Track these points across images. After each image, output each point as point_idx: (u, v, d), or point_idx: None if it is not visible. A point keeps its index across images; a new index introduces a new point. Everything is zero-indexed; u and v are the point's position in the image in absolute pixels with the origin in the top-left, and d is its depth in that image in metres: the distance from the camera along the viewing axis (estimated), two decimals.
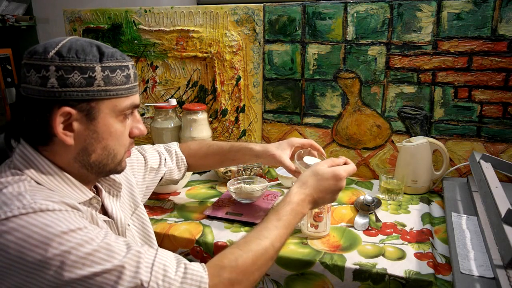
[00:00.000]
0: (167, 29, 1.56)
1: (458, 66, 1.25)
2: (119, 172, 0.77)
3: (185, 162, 1.12)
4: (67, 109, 0.65)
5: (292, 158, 1.04)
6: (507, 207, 0.80)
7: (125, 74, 0.70)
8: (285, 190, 1.30)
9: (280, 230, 0.75)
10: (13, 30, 2.21)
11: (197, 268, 0.65)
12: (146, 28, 1.58)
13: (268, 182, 1.30)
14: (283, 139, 1.12)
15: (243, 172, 1.36)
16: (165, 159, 1.07)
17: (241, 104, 1.53)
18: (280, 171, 1.36)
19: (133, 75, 0.72)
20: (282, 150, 1.03)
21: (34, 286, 0.57)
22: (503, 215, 0.80)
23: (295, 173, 1.03)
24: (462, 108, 1.27)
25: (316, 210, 0.97)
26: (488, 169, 1.06)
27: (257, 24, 1.44)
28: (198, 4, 2.04)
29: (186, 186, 1.34)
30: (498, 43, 1.19)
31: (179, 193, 1.30)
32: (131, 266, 0.60)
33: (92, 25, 1.65)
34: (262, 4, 1.42)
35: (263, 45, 1.45)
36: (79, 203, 0.69)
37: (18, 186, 0.64)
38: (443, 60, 1.26)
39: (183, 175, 1.14)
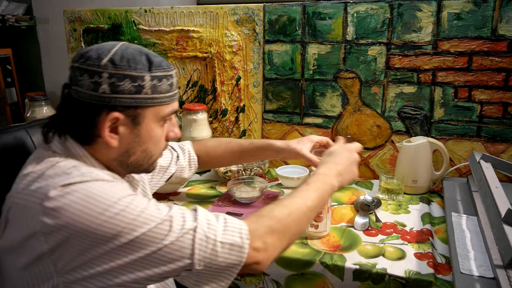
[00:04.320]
0: (167, 29, 1.56)
1: (458, 66, 1.25)
2: (150, 171, 0.82)
3: (196, 163, 1.14)
4: (116, 114, 0.69)
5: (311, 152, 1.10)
6: (507, 207, 0.80)
7: (169, 82, 0.74)
8: (285, 190, 1.30)
9: (309, 192, 0.79)
10: (13, 30, 2.21)
11: (236, 219, 0.69)
12: (146, 28, 1.58)
13: (268, 182, 1.30)
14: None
15: (243, 172, 1.36)
16: (177, 156, 1.10)
17: (241, 104, 1.53)
18: (280, 171, 1.36)
19: (175, 83, 0.76)
20: (303, 144, 1.09)
21: (95, 248, 0.60)
22: (503, 215, 0.80)
23: (316, 164, 1.07)
24: (462, 108, 1.27)
25: None
26: (488, 169, 1.06)
27: (257, 24, 1.44)
28: (198, 4, 2.04)
29: (186, 186, 1.34)
30: (498, 43, 1.19)
31: (179, 193, 1.30)
32: (178, 217, 0.65)
33: (92, 25, 1.65)
34: (262, 4, 1.42)
35: (263, 45, 1.45)
36: None
37: (70, 161, 0.69)
38: (443, 60, 1.26)
39: (192, 174, 1.16)
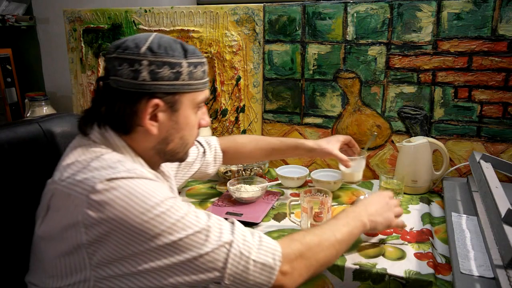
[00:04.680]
0: (167, 29, 1.56)
1: (458, 66, 1.25)
2: (184, 160, 0.84)
3: (221, 159, 1.16)
4: (156, 101, 0.71)
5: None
6: (507, 207, 0.80)
7: (203, 69, 0.76)
8: (285, 190, 1.30)
9: (339, 226, 0.80)
10: (13, 30, 2.21)
11: (271, 239, 0.71)
12: (146, 28, 1.58)
13: (268, 182, 1.30)
14: None
15: (243, 172, 1.36)
16: (203, 152, 1.12)
17: (241, 104, 1.53)
18: (280, 171, 1.36)
19: (207, 70, 0.79)
20: (332, 144, 1.15)
21: (132, 245, 0.61)
22: (503, 215, 0.80)
23: (347, 162, 1.15)
24: (462, 108, 1.27)
25: (316, 210, 0.97)
26: (488, 169, 1.06)
27: (257, 24, 1.44)
28: (198, 4, 2.04)
29: (186, 186, 1.34)
30: (498, 43, 1.19)
31: (179, 192, 1.30)
32: (215, 228, 0.66)
33: (92, 25, 1.65)
34: (262, 4, 1.42)
35: (263, 45, 1.45)
36: None
37: (113, 155, 0.70)
38: (443, 60, 1.26)
39: (216, 170, 1.18)
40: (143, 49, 0.70)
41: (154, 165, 0.80)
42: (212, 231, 0.65)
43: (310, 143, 1.15)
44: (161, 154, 0.78)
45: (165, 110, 0.73)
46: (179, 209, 0.65)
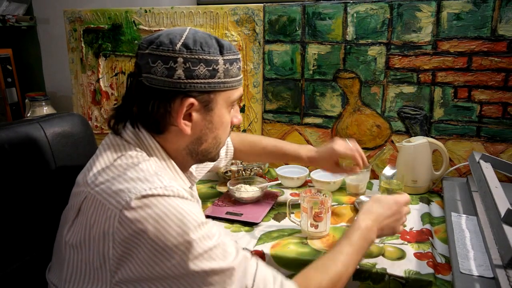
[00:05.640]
0: None
1: (458, 66, 1.25)
2: (215, 160, 0.81)
3: (232, 154, 1.15)
4: (191, 100, 0.68)
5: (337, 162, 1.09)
6: (507, 207, 0.81)
7: (238, 66, 0.74)
8: (285, 190, 1.31)
9: (353, 256, 0.77)
10: (13, 30, 2.21)
11: (292, 285, 0.68)
12: (146, 28, 1.59)
13: (268, 182, 1.30)
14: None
15: (243, 172, 1.36)
16: None
17: (241, 104, 1.53)
18: (280, 171, 1.36)
19: (241, 67, 0.76)
20: (327, 161, 1.09)
21: (157, 267, 0.59)
22: (502, 215, 0.80)
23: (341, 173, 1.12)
24: (461, 108, 1.27)
25: (316, 210, 0.97)
26: (487, 169, 1.06)
27: (257, 24, 1.44)
28: (198, 4, 2.04)
29: None
30: (497, 43, 1.19)
31: None
32: (240, 269, 0.63)
33: (92, 25, 1.65)
34: (262, 4, 1.43)
35: (263, 45, 1.45)
36: None
37: (150, 164, 0.67)
38: (443, 60, 1.26)
39: (225, 164, 1.17)
40: (179, 45, 0.67)
41: (185, 167, 0.78)
42: (236, 273, 0.62)
43: (304, 157, 1.11)
44: (193, 154, 0.75)
45: (199, 109, 0.70)
46: (209, 239, 0.61)
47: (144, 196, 0.59)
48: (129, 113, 0.72)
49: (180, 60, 0.66)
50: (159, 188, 0.61)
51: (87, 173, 0.67)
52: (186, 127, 0.70)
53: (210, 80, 0.69)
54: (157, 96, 0.68)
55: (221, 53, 0.70)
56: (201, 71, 0.68)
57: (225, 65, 0.70)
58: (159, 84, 0.67)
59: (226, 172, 1.38)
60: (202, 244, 0.60)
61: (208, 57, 0.68)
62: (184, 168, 0.78)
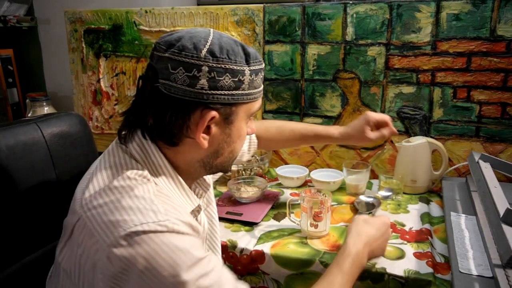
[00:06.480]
0: (168, 30, 1.56)
1: (457, 67, 1.25)
2: (227, 172, 0.77)
3: (256, 146, 1.09)
4: (213, 113, 0.63)
5: (373, 129, 1.05)
6: (506, 206, 0.81)
7: (262, 76, 0.68)
8: (285, 190, 1.31)
9: (344, 286, 0.76)
10: (14, 30, 2.21)
11: None
12: (147, 28, 1.59)
13: (268, 182, 1.31)
14: None
15: (243, 172, 1.37)
16: None
17: None
18: (280, 171, 1.36)
19: (263, 77, 0.71)
20: (361, 133, 1.05)
21: None
22: (501, 214, 0.80)
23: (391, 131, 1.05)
24: (461, 108, 1.28)
25: (316, 209, 0.98)
26: (487, 169, 1.06)
27: (257, 24, 1.45)
28: (198, 4, 2.05)
29: None
30: (496, 43, 1.20)
31: None
32: None
33: (93, 26, 1.66)
34: (262, 5, 1.43)
35: (263, 45, 1.46)
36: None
37: (147, 189, 0.61)
38: (442, 61, 1.26)
39: (250, 157, 1.14)
40: (204, 52, 0.60)
41: (196, 177, 0.74)
42: None
43: (336, 134, 1.07)
44: (207, 167, 0.70)
45: (219, 122, 0.65)
46: (207, 275, 0.57)
47: (134, 233, 0.55)
48: (141, 121, 0.67)
49: (205, 69, 0.60)
50: (151, 223, 0.56)
51: (85, 191, 0.64)
52: (204, 140, 0.65)
53: (234, 92, 0.63)
54: (175, 106, 0.62)
55: (247, 63, 0.64)
56: (226, 81, 0.62)
57: (251, 76, 0.65)
58: (179, 93, 0.61)
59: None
60: (197, 285, 0.56)
61: (235, 67, 0.62)
62: (195, 178, 0.74)
